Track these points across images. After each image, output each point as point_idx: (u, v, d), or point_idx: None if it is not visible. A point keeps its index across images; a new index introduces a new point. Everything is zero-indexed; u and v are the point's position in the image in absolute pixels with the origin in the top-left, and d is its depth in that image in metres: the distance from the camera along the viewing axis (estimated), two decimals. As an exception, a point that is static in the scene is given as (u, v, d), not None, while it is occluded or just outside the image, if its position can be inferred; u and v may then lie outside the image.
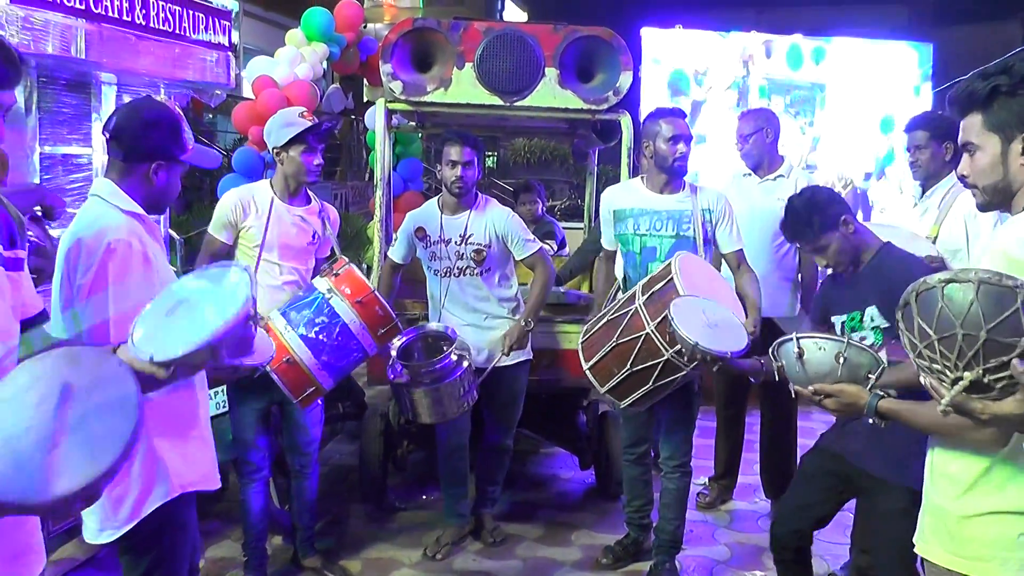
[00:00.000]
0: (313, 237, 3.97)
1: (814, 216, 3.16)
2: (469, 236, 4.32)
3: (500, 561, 4.44)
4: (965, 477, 2.08)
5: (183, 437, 2.63)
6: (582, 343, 3.74)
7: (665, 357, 3.46)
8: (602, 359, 3.63)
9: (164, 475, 2.55)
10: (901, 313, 1.84)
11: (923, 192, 4.12)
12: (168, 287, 2.22)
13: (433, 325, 4.32)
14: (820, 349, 2.48)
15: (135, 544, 2.54)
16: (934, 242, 3.86)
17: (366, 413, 5.14)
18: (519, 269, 4.57)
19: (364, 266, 5.23)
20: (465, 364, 4.07)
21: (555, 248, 6.03)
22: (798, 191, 4.12)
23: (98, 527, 2.53)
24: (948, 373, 1.71)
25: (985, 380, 1.67)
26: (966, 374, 1.69)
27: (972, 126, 2.09)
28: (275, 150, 3.88)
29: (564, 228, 6.65)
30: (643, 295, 3.59)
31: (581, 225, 6.65)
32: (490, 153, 22.52)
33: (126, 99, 5.25)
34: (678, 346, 3.38)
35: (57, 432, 1.62)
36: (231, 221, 3.88)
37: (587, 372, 3.68)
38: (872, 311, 3.05)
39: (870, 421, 2.37)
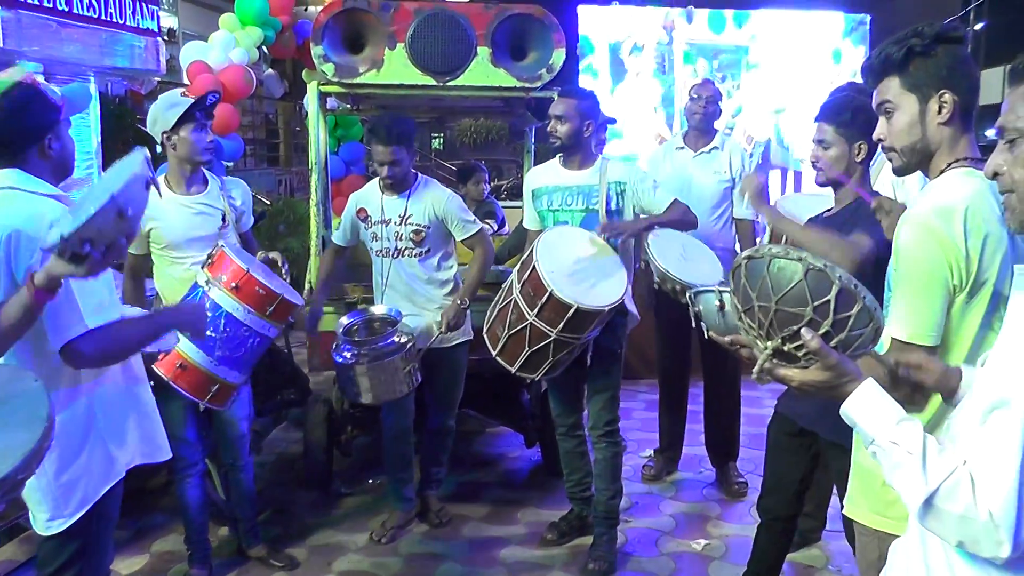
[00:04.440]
0: (223, 219, 3.84)
1: (849, 114, 3.04)
2: (408, 216, 4.29)
3: (446, 542, 4.45)
4: None
5: (128, 416, 2.65)
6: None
7: (528, 322, 3.64)
8: (491, 325, 3.87)
9: (110, 460, 2.57)
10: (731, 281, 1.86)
11: None
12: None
13: (378, 309, 4.32)
14: None
15: (59, 532, 2.51)
16: None
17: (310, 399, 5.11)
18: (459, 249, 4.56)
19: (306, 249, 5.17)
20: (408, 345, 4.07)
21: (495, 227, 6.05)
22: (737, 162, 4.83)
23: (48, 516, 2.50)
24: (760, 343, 1.74)
25: (786, 349, 1.69)
26: (768, 343, 1.71)
27: (889, 88, 2.13)
28: (165, 135, 3.69)
29: (507, 207, 6.67)
30: (517, 265, 3.86)
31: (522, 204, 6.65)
32: (436, 135, 22.49)
33: (53, 88, 5.16)
34: (538, 309, 3.58)
35: None
36: None
37: (484, 335, 3.90)
38: None
39: None
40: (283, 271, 3.86)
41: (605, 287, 3.69)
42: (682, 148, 5.05)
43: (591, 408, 4.16)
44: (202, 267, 3.52)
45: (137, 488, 4.59)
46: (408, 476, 4.56)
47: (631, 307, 4.09)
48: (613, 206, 4.01)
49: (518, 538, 4.48)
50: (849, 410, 1.62)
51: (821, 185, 3.16)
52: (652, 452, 5.38)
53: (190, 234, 3.74)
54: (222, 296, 3.38)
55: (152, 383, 3.85)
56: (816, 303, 1.63)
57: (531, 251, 3.71)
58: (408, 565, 4.22)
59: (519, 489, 5.12)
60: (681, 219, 4.06)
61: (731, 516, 4.69)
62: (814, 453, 3.28)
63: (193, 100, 3.71)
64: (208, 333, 3.34)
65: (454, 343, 4.37)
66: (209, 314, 3.33)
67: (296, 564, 4.20)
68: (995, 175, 1.55)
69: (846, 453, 2.96)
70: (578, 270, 3.69)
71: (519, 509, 4.81)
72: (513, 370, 3.80)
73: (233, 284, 3.38)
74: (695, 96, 5.03)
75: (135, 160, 2.17)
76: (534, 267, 3.61)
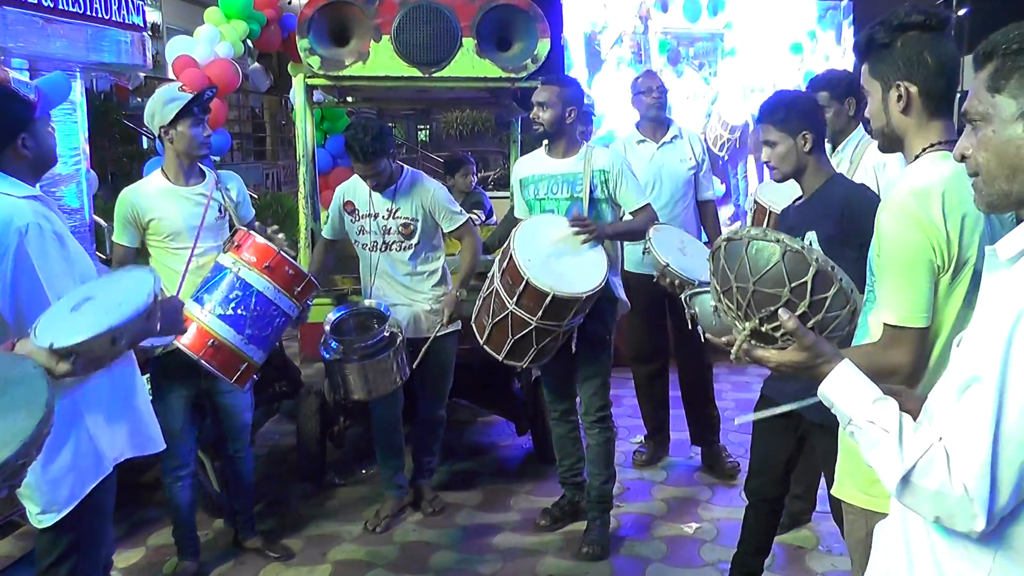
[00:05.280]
0: (220, 211, 3.88)
1: (783, 111, 3.11)
2: (396, 210, 4.32)
3: (440, 530, 4.48)
4: None
5: (116, 411, 2.64)
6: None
7: (509, 310, 3.70)
8: (477, 315, 3.93)
9: (98, 455, 2.57)
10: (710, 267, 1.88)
11: (833, 148, 4.21)
12: (78, 288, 2.25)
13: (366, 302, 4.35)
14: None
15: (53, 526, 2.52)
16: None
17: (301, 391, 5.13)
18: (446, 239, 4.58)
19: (295, 242, 5.17)
20: (398, 340, 4.10)
21: (483, 218, 6.09)
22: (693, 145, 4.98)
23: (39, 510, 2.51)
24: (738, 324, 1.77)
25: (763, 330, 1.72)
26: (746, 324, 1.74)
27: (863, 73, 2.21)
28: (162, 129, 3.73)
29: (494, 198, 6.71)
30: (498, 254, 3.91)
31: (508, 194, 6.69)
32: (422, 127, 22.50)
33: (27, 82, 5.16)
34: (517, 297, 3.64)
35: None
36: (131, 220, 3.77)
37: (472, 324, 3.97)
38: (811, 236, 3.08)
39: None
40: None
41: (583, 274, 3.72)
42: (643, 141, 5.10)
43: (582, 394, 4.20)
44: (224, 251, 3.58)
45: (132, 482, 4.61)
46: (399, 464, 4.60)
47: (620, 293, 4.13)
48: (598, 194, 4.03)
49: (511, 525, 4.52)
50: (826, 391, 1.64)
51: (779, 181, 3.24)
52: (642, 438, 5.42)
53: (191, 223, 3.78)
54: (253, 276, 3.46)
55: (148, 375, 3.89)
56: (793, 284, 1.67)
57: (509, 239, 3.75)
58: (403, 553, 4.26)
59: (511, 477, 5.16)
60: (642, 228, 3.95)
61: (721, 499, 4.74)
62: (800, 435, 3.32)
63: (192, 95, 3.74)
64: (239, 312, 3.39)
65: (442, 333, 4.40)
66: (239, 293, 3.39)
67: (291, 555, 4.23)
68: (963, 158, 1.58)
69: (832, 435, 3.00)
70: (556, 258, 3.73)
71: (512, 496, 4.86)
72: (500, 358, 3.83)
73: (266, 264, 3.47)
74: (646, 89, 5.07)
75: (145, 290, 2.14)
76: (511, 256, 3.65)
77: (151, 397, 3.89)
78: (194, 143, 3.76)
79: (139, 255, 3.86)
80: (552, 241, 3.80)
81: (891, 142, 2.20)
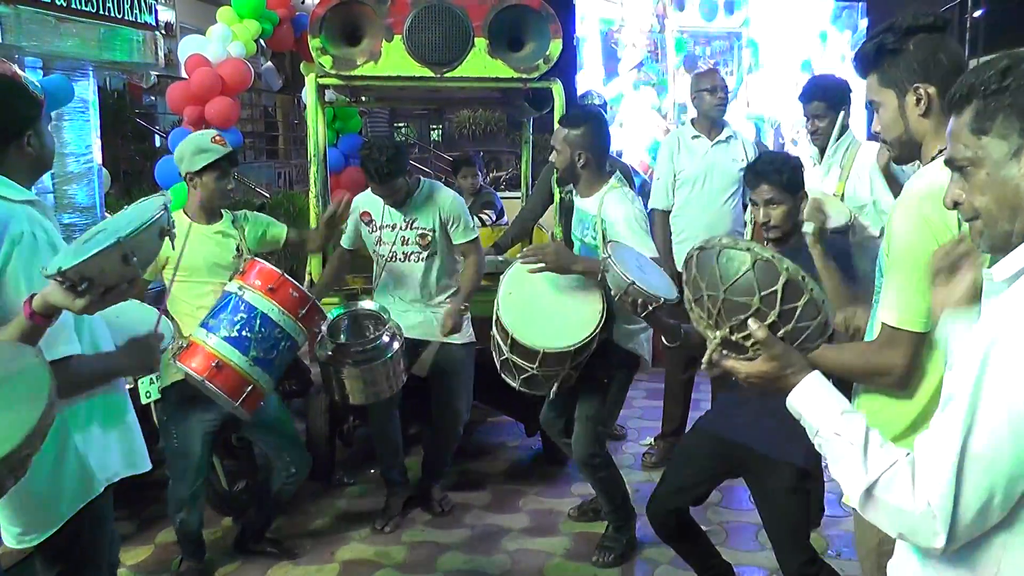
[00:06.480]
0: (237, 250, 3.89)
1: (786, 174, 3.13)
2: (413, 221, 4.33)
3: (449, 530, 4.48)
4: (899, 424, 2.13)
5: (107, 429, 2.55)
6: None
7: (506, 356, 3.68)
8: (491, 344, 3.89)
9: (88, 472, 2.46)
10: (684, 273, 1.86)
11: (821, 154, 4.18)
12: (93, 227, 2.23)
13: (365, 304, 4.31)
14: None
15: (52, 540, 2.42)
16: (841, 199, 3.86)
17: (311, 390, 5.13)
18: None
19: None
20: (397, 344, 4.06)
21: (494, 218, 6.08)
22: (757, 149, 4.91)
23: (20, 531, 2.41)
24: (709, 333, 1.76)
25: (734, 339, 1.70)
26: (717, 333, 1.73)
27: (871, 85, 2.19)
28: (188, 175, 3.77)
29: (505, 198, 6.70)
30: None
31: (520, 195, 6.68)
32: (435, 126, 22.53)
33: (34, 81, 5.17)
34: (510, 347, 3.62)
35: None
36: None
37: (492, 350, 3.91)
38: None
39: None
40: None
41: (573, 322, 3.64)
42: (698, 136, 5.15)
43: (574, 435, 4.10)
44: (231, 279, 3.56)
45: (139, 480, 4.59)
46: (396, 462, 4.62)
47: (642, 352, 4.04)
48: (597, 240, 3.83)
49: (520, 527, 4.51)
50: (794, 401, 1.64)
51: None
52: (652, 440, 5.41)
53: (208, 259, 3.80)
54: (257, 298, 3.44)
55: (160, 401, 3.85)
56: (763, 293, 1.66)
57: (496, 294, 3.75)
58: (411, 553, 4.26)
59: (520, 478, 5.15)
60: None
61: (731, 502, 4.70)
62: (722, 478, 3.43)
63: (224, 152, 3.75)
64: (244, 334, 3.37)
65: (461, 343, 4.42)
66: (243, 316, 3.38)
67: (300, 554, 4.23)
68: (955, 204, 1.56)
69: (779, 468, 3.00)
70: (544, 307, 3.68)
71: (521, 497, 4.85)
72: (516, 387, 3.79)
73: (269, 287, 3.45)
74: (711, 87, 5.10)
75: (153, 206, 2.13)
76: (497, 314, 3.67)
77: (170, 418, 3.86)
78: (216, 195, 3.81)
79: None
80: (541, 288, 3.74)
81: (909, 150, 2.17)
